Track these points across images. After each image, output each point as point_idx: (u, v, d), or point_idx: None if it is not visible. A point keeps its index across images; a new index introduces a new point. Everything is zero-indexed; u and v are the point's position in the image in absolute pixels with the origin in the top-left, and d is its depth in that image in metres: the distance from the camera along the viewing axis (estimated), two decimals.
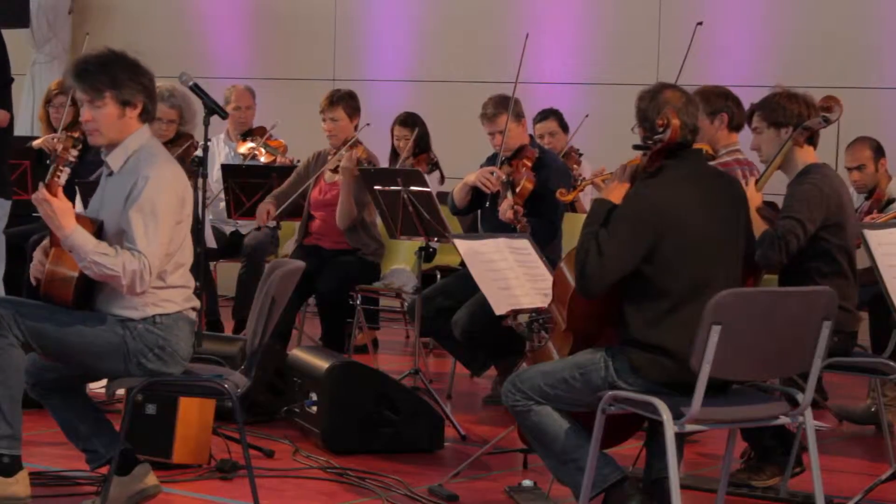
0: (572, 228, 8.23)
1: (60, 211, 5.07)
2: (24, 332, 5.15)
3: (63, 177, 5.10)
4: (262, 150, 9.63)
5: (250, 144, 9.70)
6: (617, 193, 5.22)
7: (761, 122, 6.09)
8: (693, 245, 5.06)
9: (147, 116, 5.27)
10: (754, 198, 5.91)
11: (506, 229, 7.56)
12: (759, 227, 5.84)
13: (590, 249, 5.06)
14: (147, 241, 5.07)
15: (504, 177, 7.85)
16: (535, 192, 7.81)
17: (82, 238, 5.07)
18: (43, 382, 5.37)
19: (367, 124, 8.58)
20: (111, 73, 5.20)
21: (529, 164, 7.90)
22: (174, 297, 5.23)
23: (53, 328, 5.15)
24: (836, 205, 5.96)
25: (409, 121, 9.85)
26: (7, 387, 5.16)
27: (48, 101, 9.20)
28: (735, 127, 6.71)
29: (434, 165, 9.71)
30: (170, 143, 7.90)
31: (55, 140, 8.70)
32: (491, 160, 8.14)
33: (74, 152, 5.16)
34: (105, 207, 5.24)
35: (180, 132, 8.08)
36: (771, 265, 5.85)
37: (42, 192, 5.07)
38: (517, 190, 7.79)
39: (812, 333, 4.89)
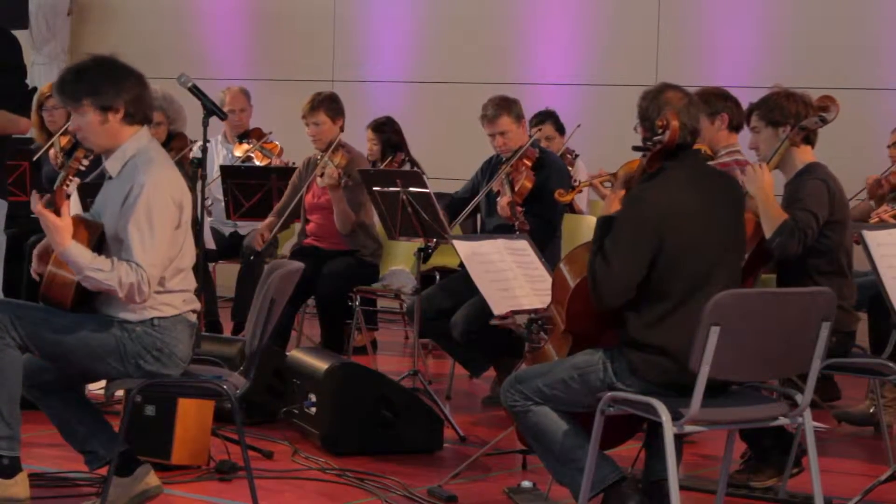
0: (572, 229, 8.24)
1: (55, 227, 5.05)
2: (22, 334, 5.14)
3: (72, 186, 5.11)
4: (258, 153, 9.63)
5: (246, 147, 9.70)
6: (615, 206, 5.22)
7: (759, 122, 6.10)
8: (693, 246, 5.06)
9: (133, 120, 5.22)
10: (770, 183, 5.90)
11: (507, 229, 7.57)
12: (778, 214, 5.83)
13: (597, 262, 5.06)
14: (144, 253, 5.06)
15: (503, 175, 7.86)
16: (534, 192, 7.81)
17: (78, 253, 5.06)
18: (41, 384, 5.37)
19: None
20: (87, 80, 5.19)
21: (529, 163, 7.91)
22: (173, 301, 5.23)
23: (51, 330, 5.15)
24: (839, 203, 5.99)
25: (379, 127, 9.83)
26: (5, 388, 5.15)
27: (41, 106, 9.16)
28: (735, 127, 6.72)
29: (411, 165, 9.70)
30: (164, 146, 7.93)
31: (58, 157, 8.71)
32: (489, 163, 8.14)
33: (86, 162, 5.18)
34: (105, 212, 5.25)
35: (172, 132, 8.10)
36: (789, 254, 5.84)
37: (38, 207, 5.06)
38: (516, 188, 7.80)
39: (811, 334, 4.88)
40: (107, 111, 5.18)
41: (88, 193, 7.62)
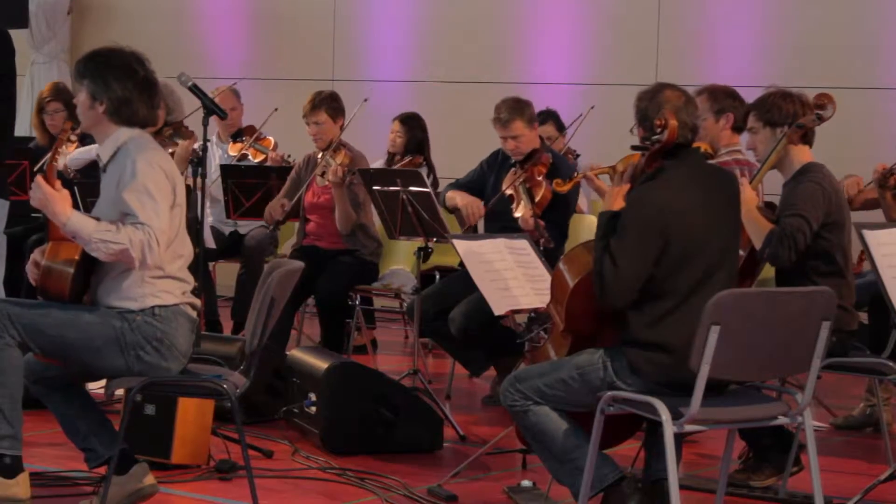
0: (572, 229, 8.23)
1: (53, 197, 5.10)
2: (21, 331, 5.15)
3: (61, 159, 5.16)
4: (252, 150, 9.64)
5: (240, 145, 9.71)
6: (618, 202, 5.21)
7: (756, 122, 6.11)
8: (696, 245, 5.06)
9: (117, 118, 5.26)
10: (752, 198, 5.92)
11: (513, 231, 7.53)
12: (763, 225, 5.86)
13: (604, 263, 5.05)
14: (147, 215, 5.07)
15: (518, 182, 7.79)
16: (550, 200, 7.76)
17: (82, 221, 5.10)
18: (45, 380, 5.38)
19: (366, 100, 8.53)
20: (93, 64, 5.30)
21: (544, 170, 7.83)
22: (172, 288, 5.23)
23: (50, 324, 5.16)
24: (836, 203, 5.98)
25: (408, 120, 9.84)
26: (6, 387, 5.16)
27: (41, 109, 9.17)
28: (738, 128, 6.74)
29: (429, 170, 9.71)
30: (157, 134, 8.07)
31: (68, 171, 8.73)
32: (496, 158, 8.08)
33: (73, 137, 5.24)
34: (101, 202, 5.27)
35: (167, 122, 8.14)
36: (781, 263, 5.86)
37: (38, 178, 5.12)
38: (536, 199, 7.72)
39: (811, 333, 4.89)
40: (94, 99, 5.28)
41: (88, 193, 7.63)
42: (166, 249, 5.15)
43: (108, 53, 5.33)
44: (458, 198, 7.93)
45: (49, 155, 5.21)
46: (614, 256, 5.03)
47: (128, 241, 5.04)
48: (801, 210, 5.87)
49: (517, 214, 7.71)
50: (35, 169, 8.70)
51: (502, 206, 7.83)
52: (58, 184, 5.15)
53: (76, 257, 5.17)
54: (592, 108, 9.56)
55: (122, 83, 5.25)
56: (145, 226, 5.05)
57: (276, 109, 9.83)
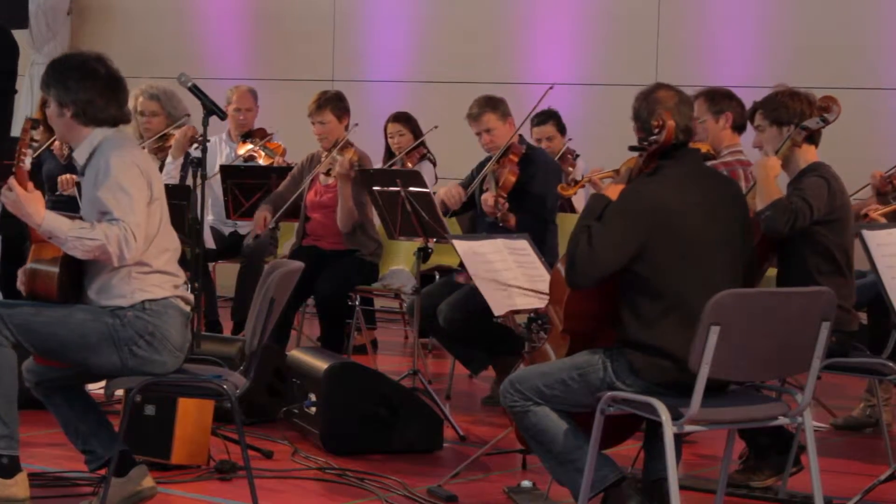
0: (570, 228, 8.24)
1: (26, 199, 5.10)
2: (14, 331, 5.16)
3: (27, 160, 5.16)
4: (261, 153, 9.64)
5: (249, 146, 9.71)
6: (614, 191, 5.22)
7: (763, 121, 6.11)
8: (690, 245, 5.06)
9: (84, 120, 5.28)
10: (773, 167, 5.92)
11: (499, 230, 7.57)
12: (773, 191, 5.87)
13: (580, 241, 5.07)
14: (122, 211, 5.09)
15: (489, 172, 7.92)
16: (521, 188, 7.85)
17: (56, 221, 5.11)
18: (46, 382, 5.38)
19: (356, 124, 8.56)
20: (55, 72, 5.33)
21: (516, 159, 7.97)
22: (162, 282, 5.24)
23: (42, 323, 5.16)
24: (839, 202, 5.99)
25: (402, 117, 9.88)
26: (1, 387, 5.16)
27: (44, 103, 9.16)
28: (738, 128, 6.74)
29: (427, 158, 9.76)
30: (162, 139, 8.12)
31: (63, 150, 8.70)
32: (483, 164, 8.15)
33: (35, 135, 5.25)
34: (84, 205, 5.29)
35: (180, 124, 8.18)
36: (773, 230, 5.84)
37: (11, 181, 5.12)
38: (500, 182, 7.85)
39: (811, 334, 4.88)
40: (62, 106, 5.31)
41: None
42: (144, 244, 5.16)
43: (66, 58, 5.38)
44: (440, 192, 8.03)
45: (15, 157, 5.20)
46: (592, 238, 5.04)
47: (103, 237, 5.05)
48: (806, 196, 5.88)
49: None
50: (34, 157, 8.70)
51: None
52: (30, 185, 5.14)
53: (59, 256, 5.18)
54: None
55: (83, 83, 5.27)
56: (120, 221, 5.07)
57: (272, 134, 9.75)
